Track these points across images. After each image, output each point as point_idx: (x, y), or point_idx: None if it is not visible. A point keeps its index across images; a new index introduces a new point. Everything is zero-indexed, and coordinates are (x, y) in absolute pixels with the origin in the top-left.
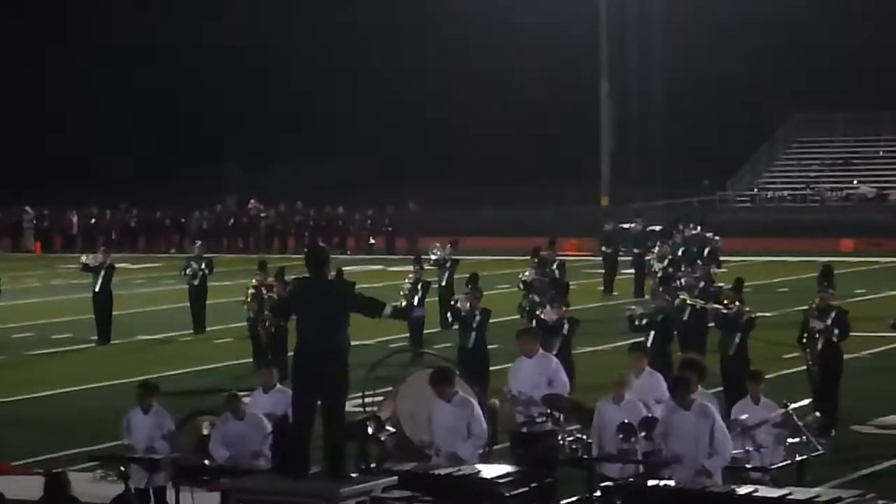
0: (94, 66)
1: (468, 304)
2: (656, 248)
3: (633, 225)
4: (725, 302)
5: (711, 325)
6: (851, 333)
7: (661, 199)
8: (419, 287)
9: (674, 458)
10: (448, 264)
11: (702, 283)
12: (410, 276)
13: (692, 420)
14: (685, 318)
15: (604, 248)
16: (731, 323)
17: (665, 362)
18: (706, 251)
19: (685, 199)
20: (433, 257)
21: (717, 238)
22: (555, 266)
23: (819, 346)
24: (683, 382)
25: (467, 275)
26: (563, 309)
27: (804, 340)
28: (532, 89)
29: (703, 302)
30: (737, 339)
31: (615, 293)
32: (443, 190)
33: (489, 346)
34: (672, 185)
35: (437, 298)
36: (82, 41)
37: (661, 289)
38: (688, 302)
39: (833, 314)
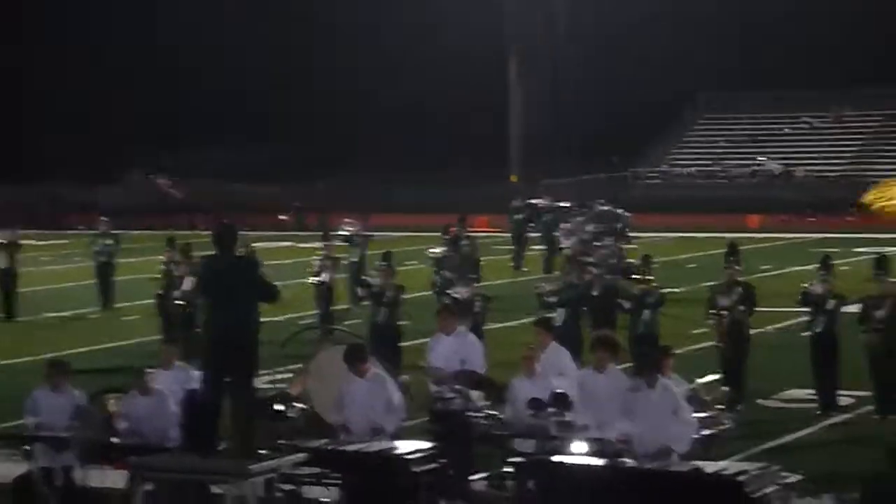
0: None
1: (380, 281)
2: (566, 225)
3: (542, 201)
4: (635, 278)
5: (621, 301)
6: (757, 309)
7: (570, 175)
8: (328, 263)
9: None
10: (360, 241)
11: (611, 260)
12: (320, 252)
13: (657, 399)
14: (595, 294)
15: (513, 225)
16: (640, 299)
17: (574, 339)
18: (617, 227)
19: (595, 175)
20: (345, 233)
21: (627, 214)
22: (465, 243)
23: (726, 321)
24: (649, 361)
25: (379, 251)
26: (475, 285)
27: (711, 316)
28: (442, 68)
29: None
30: (646, 316)
31: (525, 269)
32: (354, 168)
33: (400, 323)
34: (582, 161)
35: (347, 275)
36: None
37: (569, 265)
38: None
39: (739, 290)
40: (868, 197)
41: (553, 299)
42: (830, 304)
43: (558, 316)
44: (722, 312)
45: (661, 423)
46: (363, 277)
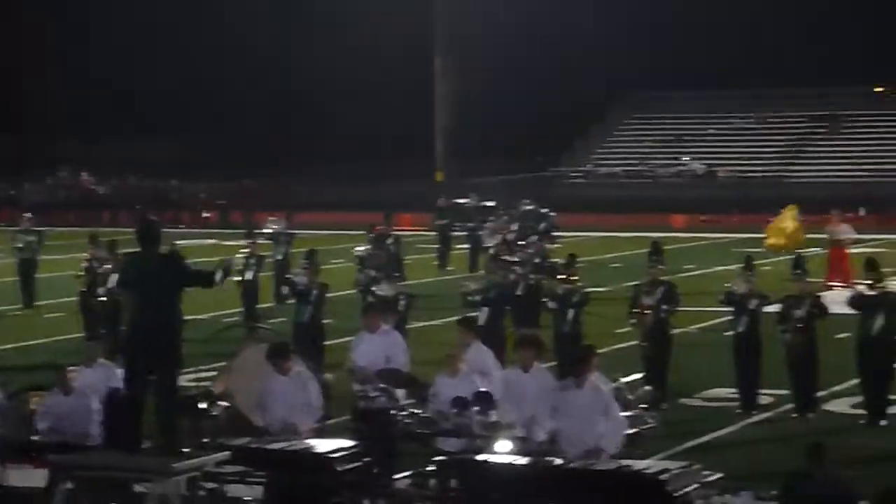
0: None
1: (305, 279)
2: (489, 224)
3: (467, 200)
4: (560, 277)
5: (545, 300)
6: (681, 308)
7: (495, 174)
8: (252, 261)
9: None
10: (284, 238)
11: (536, 259)
12: (244, 249)
13: (586, 398)
14: (519, 293)
15: (438, 223)
16: (565, 299)
17: (497, 337)
18: (541, 226)
19: (520, 174)
20: (270, 231)
21: (552, 214)
22: (390, 241)
23: (648, 321)
24: (581, 361)
25: (303, 249)
26: (399, 284)
27: (633, 315)
28: (367, 66)
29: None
30: (570, 315)
31: (450, 268)
32: (278, 166)
33: (324, 321)
34: (507, 160)
35: (272, 273)
36: None
37: (493, 264)
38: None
39: (661, 289)
40: (769, 240)
41: (477, 298)
42: (753, 303)
43: (481, 315)
44: (645, 311)
45: (591, 422)
46: (288, 276)
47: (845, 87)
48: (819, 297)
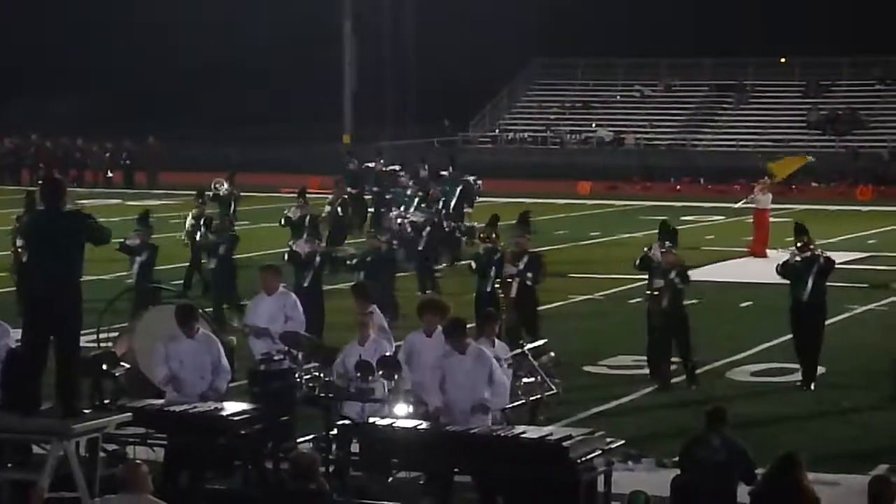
0: None
1: (138, 241)
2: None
3: (374, 164)
4: (482, 237)
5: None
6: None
7: (403, 138)
8: (202, 223)
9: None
10: (229, 199)
11: (427, 227)
12: (194, 210)
13: (468, 364)
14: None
15: (349, 189)
16: (486, 259)
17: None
18: (458, 191)
19: (427, 139)
20: (220, 192)
21: (479, 181)
22: (338, 204)
23: (513, 290)
24: (458, 327)
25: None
26: (317, 243)
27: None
28: (275, 27)
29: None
30: (492, 275)
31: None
32: (184, 127)
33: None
34: (414, 125)
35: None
36: None
37: (372, 230)
38: None
39: (526, 259)
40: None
41: (354, 262)
42: (674, 273)
43: (355, 279)
44: (508, 280)
45: (474, 388)
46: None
47: (751, 57)
48: (685, 267)
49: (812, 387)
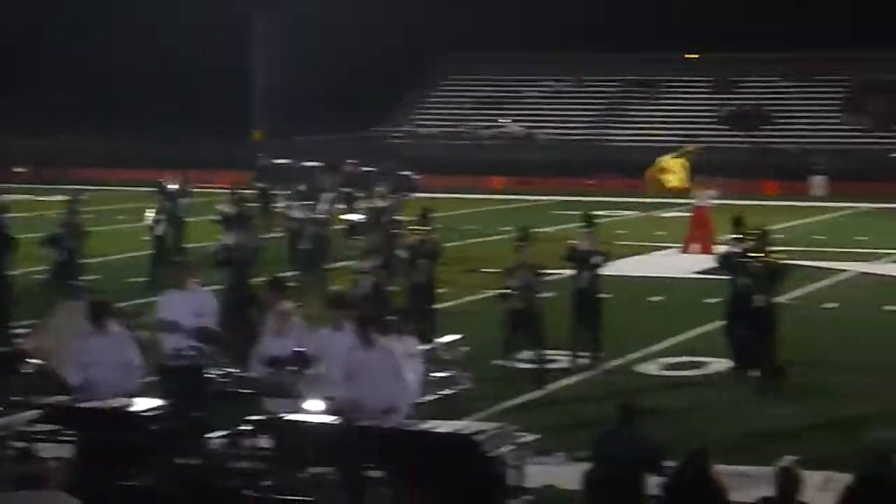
0: None
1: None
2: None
3: (288, 161)
4: (411, 229)
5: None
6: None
7: (316, 133)
8: (163, 217)
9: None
10: (182, 195)
11: (325, 218)
12: (154, 206)
13: (378, 359)
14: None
15: (258, 184)
16: (415, 250)
17: (240, 297)
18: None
19: (340, 134)
20: (170, 189)
21: (417, 176)
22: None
23: (413, 279)
24: (367, 321)
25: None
26: (245, 236)
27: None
28: (187, 22)
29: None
30: (422, 266)
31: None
32: (98, 123)
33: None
34: (328, 120)
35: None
36: None
37: (239, 226)
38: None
39: (426, 250)
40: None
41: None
42: (596, 259)
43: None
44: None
45: (383, 383)
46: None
47: (662, 53)
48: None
49: (759, 373)
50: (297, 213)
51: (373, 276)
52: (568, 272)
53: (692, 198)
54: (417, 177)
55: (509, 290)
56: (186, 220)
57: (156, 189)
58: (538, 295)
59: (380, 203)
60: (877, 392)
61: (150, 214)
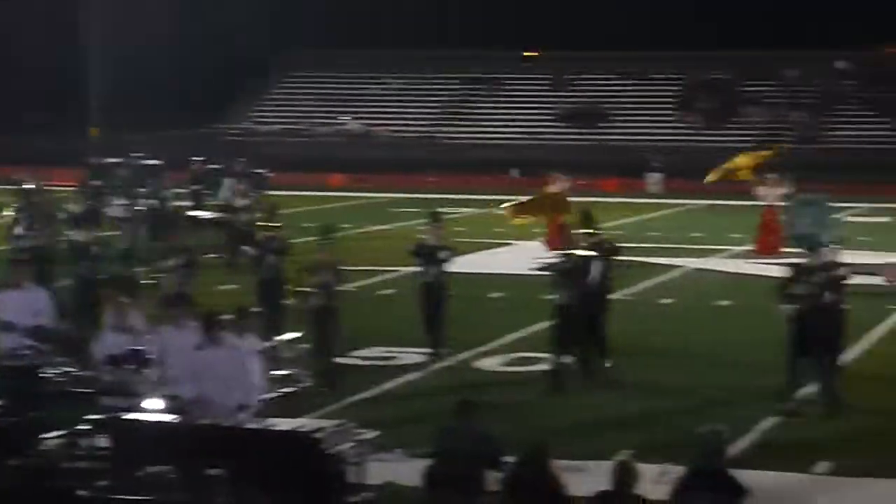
0: None
1: None
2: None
3: (125, 159)
4: (261, 225)
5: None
6: (348, 268)
7: (155, 131)
8: (25, 215)
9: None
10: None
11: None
12: (16, 204)
13: (222, 356)
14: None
15: (92, 182)
16: (264, 246)
17: (86, 295)
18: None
19: (180, 131)
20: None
21: (270, 174)
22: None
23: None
24: (212, 319)
25: None
26: (92, 234)
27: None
28: (16, 18)
29: None
30: (270, 261)
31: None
32: None
33: None
34: (166, 117)
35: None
36: None
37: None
38: None
39: (274, 244)
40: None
41: (22, 256)
42: (443, 254)
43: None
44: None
45: (229, 380)
46: None
47: (499, 51)
48: (339, 264)
49: (607, 364)
50: (116, 212)
51: (174, 276)
52: (407, 269)
53: (759, 195)
54: (271, 174)
55: (310, 290)
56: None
57: (11, 187)
58: (338, 292)
59: (239, 201)
60: (708, 385)
61: (8, 213)
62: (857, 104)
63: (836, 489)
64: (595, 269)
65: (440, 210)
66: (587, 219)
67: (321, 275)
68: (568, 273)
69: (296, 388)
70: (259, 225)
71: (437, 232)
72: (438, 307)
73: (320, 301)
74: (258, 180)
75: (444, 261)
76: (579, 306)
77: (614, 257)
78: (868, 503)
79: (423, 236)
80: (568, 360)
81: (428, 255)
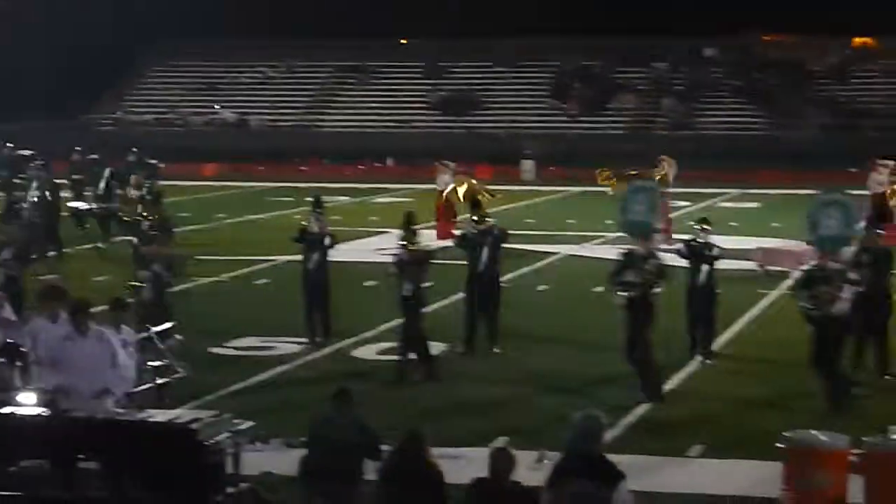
0: None
1: None
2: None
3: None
4: (145, 214)
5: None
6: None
7: (23, 121)
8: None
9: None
10: None
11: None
12: None
13: (90, 346)
14: None
15: None
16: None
17: None
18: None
19: (51, 121)
20: None
21: (162, 164)
22: None
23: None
24: (80, 309)
25: None
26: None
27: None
28: None
29: None
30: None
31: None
32: None
33: None
34: (35, 107)
35: None
36: None
37: None
38: None
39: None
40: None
41: None
42: (327, 241)
43: None
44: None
45: (97, 371)
46: None
47: (373, 39)
48: (172, 258)
49: (496, 350)
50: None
51: (4, 268)
52: (282, 258)
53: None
54: (162, 165)
55: (138, 283)
56: None
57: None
58: (169, 286)
59: (134, 192)
60: (583, 371)
61: None
62: (727, 91)
63: (712, 470)
64: (485, 255)
65: (322, 197)
66: (475, 205)
67: (153, 268)
68: (409, 265)
69: (169, 379)
70: (143, 215)
71: (320, 218)
72: (323, 294)
73: (148, 294)
74: (151, 170)
75: (329, 247)
76: (419, 298)
77: (503, 244)
78: (740, 482)
79: (306, 223)
80: (412, 354)
81: (312, 241)
